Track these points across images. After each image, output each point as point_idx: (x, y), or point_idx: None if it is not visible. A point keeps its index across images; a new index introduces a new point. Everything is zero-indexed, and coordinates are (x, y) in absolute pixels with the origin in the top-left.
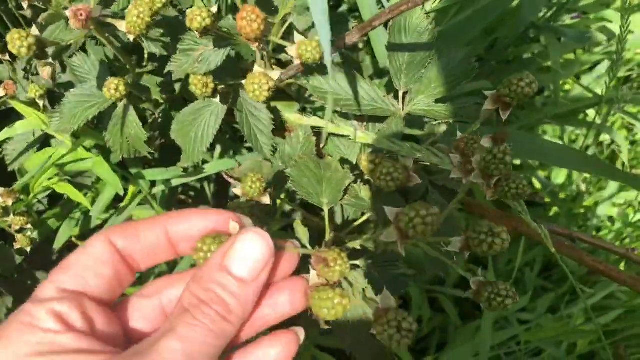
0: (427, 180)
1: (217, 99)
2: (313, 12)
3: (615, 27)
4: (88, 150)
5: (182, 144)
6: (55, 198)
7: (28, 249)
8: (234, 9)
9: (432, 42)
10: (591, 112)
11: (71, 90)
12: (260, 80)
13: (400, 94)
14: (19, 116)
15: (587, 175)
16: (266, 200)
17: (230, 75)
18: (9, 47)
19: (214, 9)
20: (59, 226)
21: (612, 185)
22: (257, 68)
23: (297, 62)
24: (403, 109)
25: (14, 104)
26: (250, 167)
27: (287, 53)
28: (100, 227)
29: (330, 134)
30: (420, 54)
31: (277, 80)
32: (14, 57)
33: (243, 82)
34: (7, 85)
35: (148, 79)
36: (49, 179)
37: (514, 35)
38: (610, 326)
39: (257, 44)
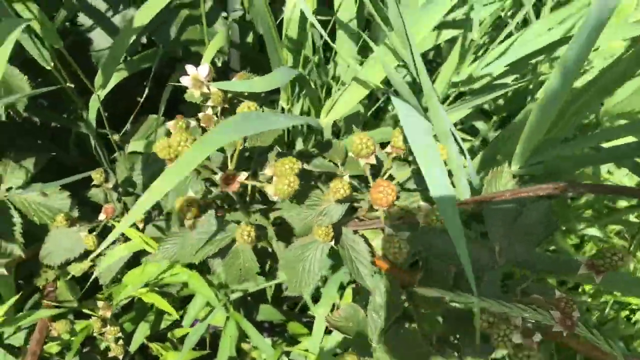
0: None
1: (332, 242)
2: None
3: None
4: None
5: (288, 276)
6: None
7: (121, 357)
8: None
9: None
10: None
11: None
12: (400, 247)
13: (497, 249)
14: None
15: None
16: None
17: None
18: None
19: (347, 177)
20: (134, 329)
21: None
22: (387, 230)
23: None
24: (500, 263)
25: (126, 231)
26: (347, 315)
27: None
28: (171, 327)
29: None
30: (511, 212)
31: (406, 243)
32: (106, 177)
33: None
34: (107, 210)
35: (260, 219)
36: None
37: None
38: None
39: (386, 208)
